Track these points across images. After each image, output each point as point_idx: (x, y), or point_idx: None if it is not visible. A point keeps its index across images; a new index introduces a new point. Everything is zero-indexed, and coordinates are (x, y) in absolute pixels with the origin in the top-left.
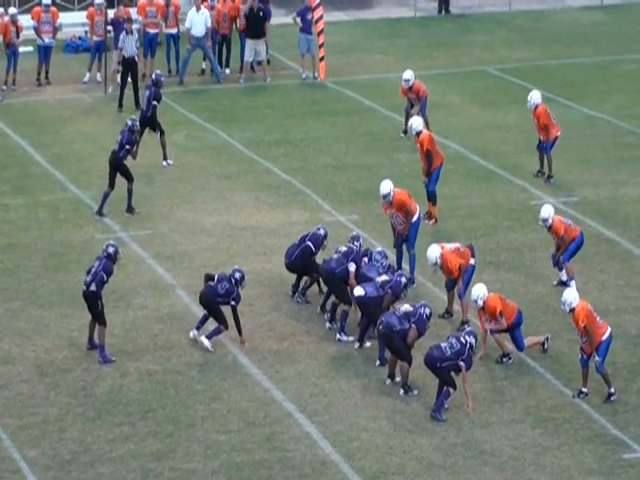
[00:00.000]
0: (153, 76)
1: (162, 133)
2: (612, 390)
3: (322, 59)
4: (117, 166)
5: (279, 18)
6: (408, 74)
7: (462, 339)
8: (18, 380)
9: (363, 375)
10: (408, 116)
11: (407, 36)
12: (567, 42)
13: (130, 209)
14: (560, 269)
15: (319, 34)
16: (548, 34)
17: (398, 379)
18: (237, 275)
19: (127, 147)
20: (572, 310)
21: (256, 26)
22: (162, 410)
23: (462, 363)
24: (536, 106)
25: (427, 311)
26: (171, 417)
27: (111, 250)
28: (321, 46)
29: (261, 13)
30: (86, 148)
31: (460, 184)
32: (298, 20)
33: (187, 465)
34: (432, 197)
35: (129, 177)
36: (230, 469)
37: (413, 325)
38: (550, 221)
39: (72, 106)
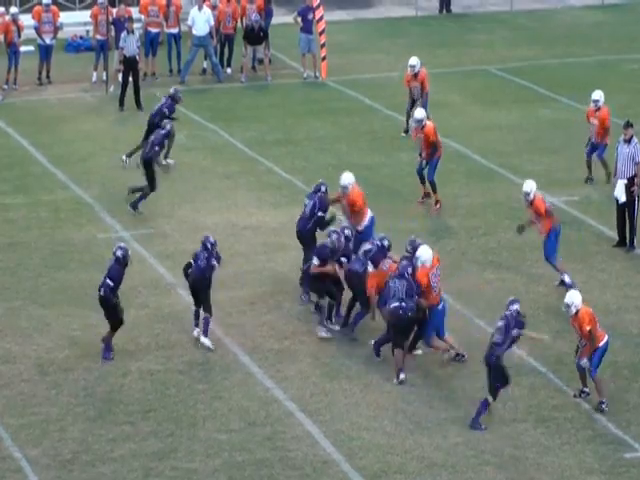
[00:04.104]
0: (172, 90)
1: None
2: (603, 400)
3: (324, 59)
4: (145, 165)
5: (280, 17)
6: (414, 60)
7: (507, 315)
8: (19, 379)
9: (364, 374)
10: (409, 116)
11: (408, 35)
12: (568, 41)
13: (135, 206)
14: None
15: (320, 34)
16: (549, 33)
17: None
18: (211, 239)
19: (156, 148)
20: (576, 313)
21: (257, 38)
22: (163, 409)
23: (515, 332)
24: (600, 107)
25: (410, 269)
26: (172, 416)
27: (119, 253)
28: (322, 46)
29: (262, 33)
30: (87, 147)
31: (461, 183)
32: (299, 20)
33: (188, 464)
34: (432, 186)
35: (151, 183)
36: (231, 468)
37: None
38: (532, 196)
39: (73, 106)
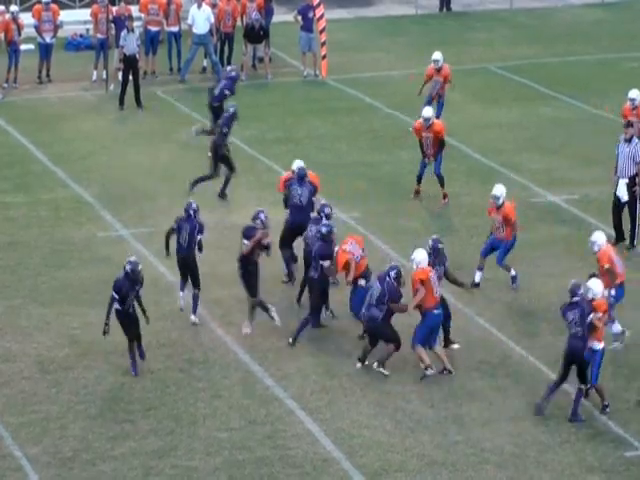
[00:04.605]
0: (229, 70)
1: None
2: (606, 402)
3: (324, 57)
4: (217, 151)
5: (280, 16)
6: (438, 55)
7: (580, 303)
8: (19, 377)
9: (364, 372)
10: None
11: (408, 34)
12: (569, 40)
13: (223, 194)
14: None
15: (321, 33)
16: (550, 32)
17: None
18: (193, 206)
19: (224, 130)
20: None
21: (257, 36)
22: (163, 407)
23: (591, 317)
24: (637, 105)
25: (392, 274)
26: (172, 415)
27: (127, 267)
28: (323, 44)
29: (262, 32)
30: (87, 146)
31: (461, 182)
32: (299, 18)
33: (188, 463)
34: (440, 180)
35: (230, 166)
36: (231, 467)
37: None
38: (502, 200)
39: (73, 104)
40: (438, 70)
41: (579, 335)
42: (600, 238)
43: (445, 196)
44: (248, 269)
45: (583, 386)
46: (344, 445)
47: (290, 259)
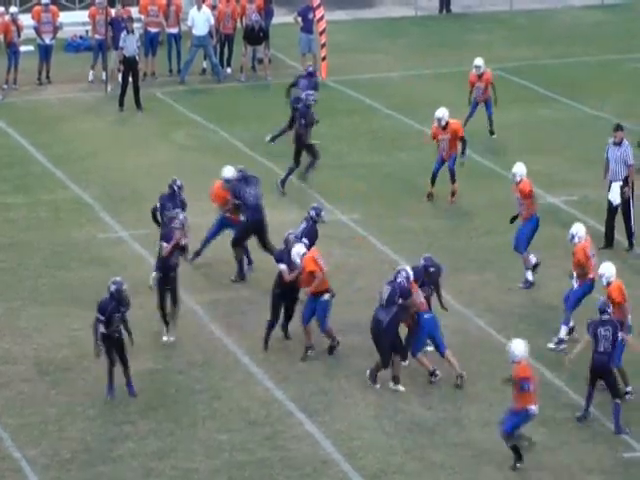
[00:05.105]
0: (309, 68)
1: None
2: (629, 388)
3: (324, 59)
4: (299, 142)
5: (280, 17)
6: (479, 61)
7: (612, 321)
8: (18, 379)
9: (364, 374)
10: (470, 116)
11: (408, 35)
12: (568, 41)
13: (306, 174)
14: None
15: (321, 34)
16: (549, 33)
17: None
18: (178, 183)
19: (302, 121)
20: (608, 284)
21: (257, 38)
22: (163, 409)
23: (621, 335)
24: None
25: (404, 273)
26: (172, 416)
27: (112, 288)
28: (323, 46)
29: (261, 33)
30: (87, 147)
31: (461, 183)
32: (299, 20)
33: (188, 464)
34: (452, 174)
35: (314, 153)
36: (231, 468)
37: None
38: (518, 178)
39: (73, 105)
40: (479, 76)
41: (608, 352)
42: (580, 230)
43: (453, 194)
44: (169, 276)
45: (618, 400)
46: (344, 447)
47: (242, 260)
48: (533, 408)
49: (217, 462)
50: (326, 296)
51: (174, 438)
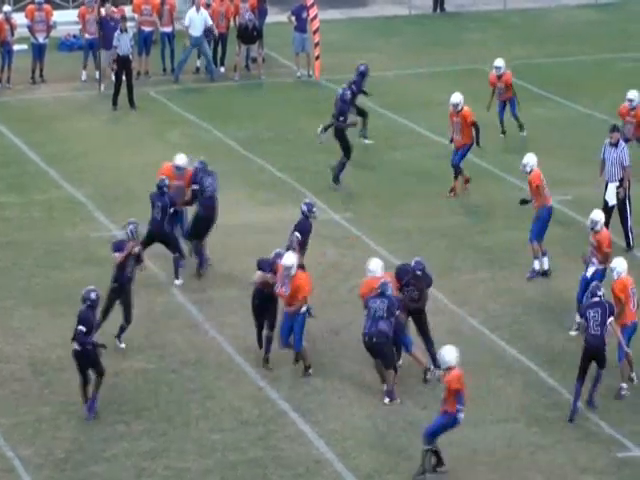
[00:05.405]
0: (360, 66)
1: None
2: (633, 375)
3: (317, 58)
4: (338, 137)
5: (274, 16)
6: (500, 62)
7: (601, 303)
8: (12, 379)
9: (357, 374)
10: (502, 120)
11: (402, 34)
12: (562, 40)
13: (337, 179)
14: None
15: (314, 33)
16: (543, 32)
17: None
18: (166, 182)
19: (340, 118)
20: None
21: (250, 37)
22: (156, 409)
23: (610, 320)
24: (635, 106)
25: (390, 288)
26: (165, 416)
27: (92, 296)
28: (316, 45)
29: (255, 32)
30: (80, 146)
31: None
32: (293, 19)
33: (181, 464)
34: (456, 170)
35: (347, 152)
36: (224, 468)
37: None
38: (529, 169)
39: (67, 104)
40: (499, 77)
41: (599, 335)
42: (602, 218)
43: (452, 190)
44: (124, 288)
45: (602, 371)
46: (337, 446)
47: (201, 250)
48: (462, 416)
49: (210, 462)
50: (304, 308)
51: (167, 438)
